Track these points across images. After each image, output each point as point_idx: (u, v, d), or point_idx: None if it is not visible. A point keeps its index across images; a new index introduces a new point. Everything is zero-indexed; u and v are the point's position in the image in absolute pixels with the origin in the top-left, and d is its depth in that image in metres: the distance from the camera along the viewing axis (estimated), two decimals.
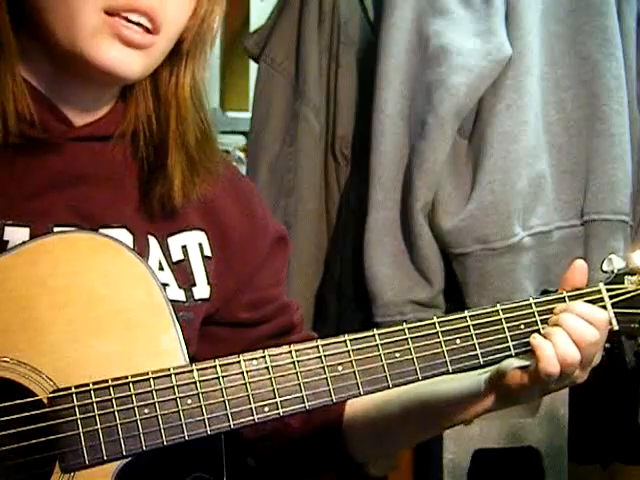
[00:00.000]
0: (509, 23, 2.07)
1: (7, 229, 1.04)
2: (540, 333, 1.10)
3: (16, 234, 1.03)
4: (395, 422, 1.19)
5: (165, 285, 1.08)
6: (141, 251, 1.09)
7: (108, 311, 1.00)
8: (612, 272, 1.16)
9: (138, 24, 1.02)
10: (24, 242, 1.02)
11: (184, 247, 1.15)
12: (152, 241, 1.12)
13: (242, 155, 2.72)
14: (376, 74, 2.11)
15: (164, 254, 1.13)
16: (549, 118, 2.14)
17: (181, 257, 1.15)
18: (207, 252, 1.18)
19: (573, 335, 1.08)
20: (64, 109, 1.08)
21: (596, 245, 2.13)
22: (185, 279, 1.14)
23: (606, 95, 2.11)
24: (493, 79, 2.05)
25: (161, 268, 1.12)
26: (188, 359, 1.01)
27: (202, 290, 1.16)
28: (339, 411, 1.21)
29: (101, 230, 1.08)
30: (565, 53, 2.14)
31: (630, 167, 2.14)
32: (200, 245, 1.17)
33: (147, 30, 1.03)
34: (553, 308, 1.11)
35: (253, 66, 2.55)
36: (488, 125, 2.07)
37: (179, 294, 1.13)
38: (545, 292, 2.13)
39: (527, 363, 1.09)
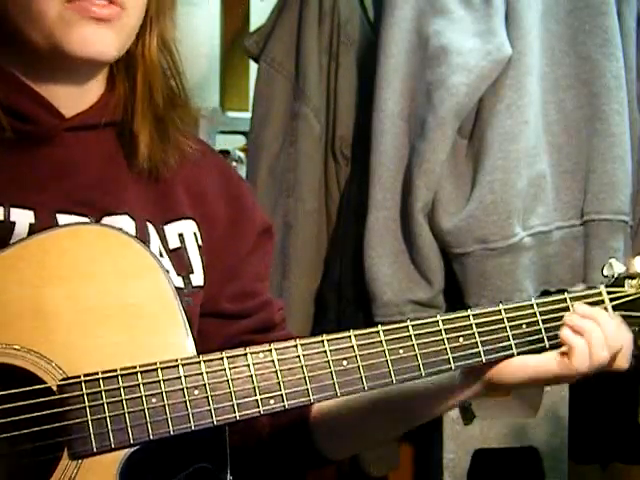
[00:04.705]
0: (509, 23, 2.08)
1: (13, 210, 1.05)
2: (544, 331, 1.11)
3: (22, 216, 1.05)
4: (361, 414, 1.17)
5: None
6: (143, 238, 1.10)
7: (117, 302, 1.00)
8: (612, 276, 1.17)
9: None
10: (34, 234, 1.03)
11: (180, 235, 1.17)
12: (151, 228, 1.14)
13: (242, 155, 2.72)
14: (376, 74, 2.11)
15: (162, 241, 1.15)
16: (549, 118, 2.14)
17: (178, 245, 1.16)
18: (200, 241, 1.19)
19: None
20: (54, 102, 1.10)
21: (596, 245, 2.13)
22: (183, 266, 1.16)
23: (606, 95, 2.12)
24: (493, 79, 2.05)
25: (161, 255, 1.13)
26: (195, 350, 1.02)
27: (198, 278, 1.18)
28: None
29: (105, 217, 1.09)
30: (565, 53, 2.14)
31: (630, 167, 2.14)
32: (195, 234, 1.18)
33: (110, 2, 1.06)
34: (554, 309, 1.12)
35: (253, 66, 2.55)
36: (488, 125, 2.07)
37: (177, 281, 1.14)
38: (545, 292, 2.13)
39: None
